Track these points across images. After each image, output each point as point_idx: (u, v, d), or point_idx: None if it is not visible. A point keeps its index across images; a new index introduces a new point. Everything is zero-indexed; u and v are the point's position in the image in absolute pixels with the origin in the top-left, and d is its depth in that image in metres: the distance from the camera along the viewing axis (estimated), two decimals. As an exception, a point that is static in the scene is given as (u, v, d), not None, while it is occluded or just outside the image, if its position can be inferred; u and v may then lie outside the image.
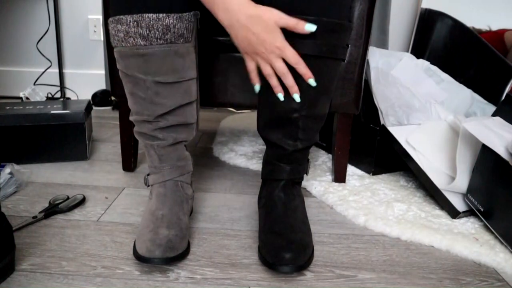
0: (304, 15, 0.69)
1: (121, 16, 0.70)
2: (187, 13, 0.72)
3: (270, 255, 0.70)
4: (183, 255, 0.71)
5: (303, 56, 0.71)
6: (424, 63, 1.28)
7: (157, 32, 0.70)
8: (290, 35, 0.70)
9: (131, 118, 0.79)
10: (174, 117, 0.76)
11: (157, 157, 0.78)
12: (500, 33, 1.64)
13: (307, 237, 0.74)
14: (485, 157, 0.89)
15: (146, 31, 0.69)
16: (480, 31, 1.65)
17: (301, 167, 0.82)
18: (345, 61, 0.95)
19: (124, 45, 0.71)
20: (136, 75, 0.73)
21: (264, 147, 1.35)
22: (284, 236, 0.72)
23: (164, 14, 0.70)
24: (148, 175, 0.81)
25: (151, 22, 0.69)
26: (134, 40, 0.70)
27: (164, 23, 0.70)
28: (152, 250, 0.67)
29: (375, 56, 1.20)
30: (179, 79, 0.74)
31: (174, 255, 0.69)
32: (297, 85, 0.73)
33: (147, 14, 0.69)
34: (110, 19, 0.72)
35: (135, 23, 0.69)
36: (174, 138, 0.78)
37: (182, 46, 0.73)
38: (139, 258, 0.68)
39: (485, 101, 1.32)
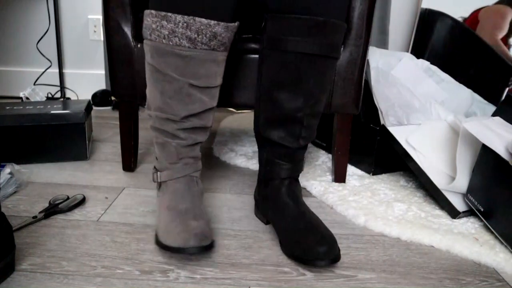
0: (310, 15, 0.71)
1: (169, 14, 0.68)
2: (233, 24, 0.73)
3: (304, 252, 0.70)
4: (213, 244, 0.73)
5: (306, 55, 0.73)
6: (424, 63, 1.28)
7: (205, 38, 0.70)
8: (295, 35, 0.71)
9: (149, 112, 0.78)
10: (199, 120, 0.78)
11: (176, 155, 0.79)
12: (476, 14, 1.67)
13: (329, 231, 0.75)
14: (485, 157, 0.89)
15: (194, 34, 0.69)
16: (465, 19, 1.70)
17: (301, 163, 0.84)
18: (345, 61, 0.95)
19: (166, 42, 0.70)
20: (171, 74, 0.72)
21: (264, 147, 1.35)
22: (313, 232, 0.73)
23: (215, 22, 0.70)
24: (157, 171, 0.81)
25: (202, 27, 0.69)
26: (179, 40, 0.69)
27: (213, 30, 0.70)
28: (188, 239, 0.69)
29: (375, 56, 1.20)
30: (210, 85, 0.75)
31: (208, 244, 0.70)
32: (303, 83, 0.75)
33: (199, 19, 0.68)
34: (152, 12, 0.70)
35: (185, 24, 0.68)
36: (193, 139, 0.79)
37: (221, 54, 0.75)
38: (177, 250, 0.69)
39: (485, 101, 1.32)
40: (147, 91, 0.78)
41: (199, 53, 0.71)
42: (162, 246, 0.72)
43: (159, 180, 0.81)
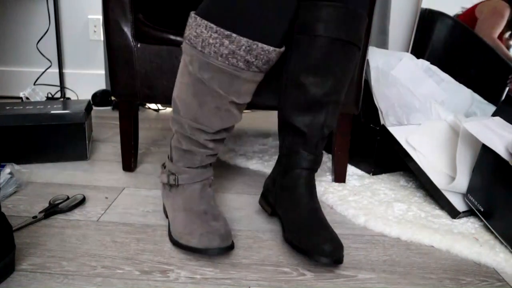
0: (349, 4, 0.74)
1: (234, 35, 0.67)
2: (283, 49, 0.73)
3: (309, 246, 0.71)
4: (233, 245, 0.74)
5: (337, 40, 0.75)
6: (424, 63, 1.28)
7: (260, 62, 0.70)
8: (327, 20, 0.74)
9: (178, 117, 0.77)
10: (227, 132, 0.80)
11: (200, 161, 0.80)
12: (472, 9, 1.68)
13: (336, 234, 0.75)
14: (485, 157, 0.89)
15: (252, 58, 0.69)
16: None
17: (320, 157, 0.84)
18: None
19: (221, 61, 0.69)
20: (216, 89, 0.71)
21: (264, 147, 1.35)
22: (323, 230, 0.73)
23: (273, 48, 0.70)
24: (172, 174, 0.81)
25: (261, 53, 0.69)
26: (237, 61, 0.69)
27: (269, 56, 0.70)
28: (212, 240, 0.70)
29: (375, 56, 1.20)
30: (246, 102, 0.76)
31: (230, 244, 0.72)
32: (332, 68, 0.77)
33: (261, 44, 0.68)
34: (212, 26, 0.67)
35: (248, 48, 0.67)
36: (218, 149, 0.81)
37: (262, 75, 0.75)
38: (201, 251, 0.71)
39: (485, 101, 1.32)
40: (179, 96, 0.76)
41: (247, 74, 0.71)
42: (184, 248, 0.73)
43: (177, 183, 0.80)
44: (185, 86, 0.74)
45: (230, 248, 0.72)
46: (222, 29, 0.67)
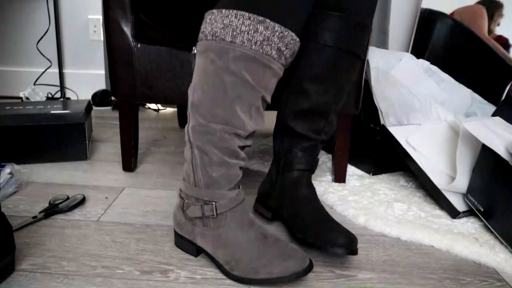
0: (349, 14, 0.75)
1: (267, 20, 0.63)
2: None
3: (322, 239, 0.71)
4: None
5: (343, 51, 0.77)
6: (424, 63, 1.28)
7: (288, 53, 0.67)
8: (335, 30, 0.75)
9: (205, 124, 0.68)
10: (252, 139, 0.73)
11: (236, 175, 0.71)
12: (450, 15, 1.68)
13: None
14: (485, 157, 0.89)
15: (283, 47, 0.66)
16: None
17: (317, 158, 0.86)
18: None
19: (256, 49, 0.64)
20: (249, 81, 0.65)
21: (264, 147, 1.35)
22: (334, 224, 0.74)
23: (298, 39, 0.67)
24: (205, 203, 0.70)
25: (291, 41, 0.66)
26: (270, 49, 0.64)
27: (294, 48, 0.68)
28: (295, 262, 0.66)
29: (375, 56, 1.20)
30: (269, 102, 0.71)
31: (310, 261, 0.68)
32: (337, 78, 0.78)
33: (291, 32, 0.65)
34: (244, 14, 0.63)
35: (281, 35, 0.64)
36: (245, 161, 0.73)
37: (282, 72, 0.70)
38: (292, 278, 0.65)
39: (485, 101, 1.32)
40: (203, 100, 0.67)
41: (277, 66, 0.67)
42: (267, 283, 0.66)
43: (216, 213, 0.69)
44: (211, 87, 0.66)
45: (312, 265, 0.68)
46: (255, 15, 0.64)
